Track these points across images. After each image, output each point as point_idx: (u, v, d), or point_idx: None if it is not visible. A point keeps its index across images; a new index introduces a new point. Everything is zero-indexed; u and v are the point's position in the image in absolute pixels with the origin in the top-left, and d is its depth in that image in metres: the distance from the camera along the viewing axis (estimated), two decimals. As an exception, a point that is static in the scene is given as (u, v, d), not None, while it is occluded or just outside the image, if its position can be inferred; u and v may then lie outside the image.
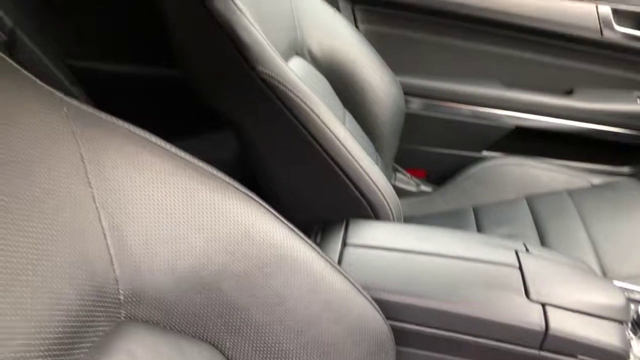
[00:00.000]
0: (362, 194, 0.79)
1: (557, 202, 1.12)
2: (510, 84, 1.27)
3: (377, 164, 1.04)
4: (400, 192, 1.28)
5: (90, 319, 0.39)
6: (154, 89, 1.26)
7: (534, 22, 1.20)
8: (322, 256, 0.54)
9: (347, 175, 0.79)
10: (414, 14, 1.22)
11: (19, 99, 0.39)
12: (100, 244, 0.41)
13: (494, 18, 1.21)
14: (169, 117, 0.97)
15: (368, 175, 0.79)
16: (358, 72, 1.08)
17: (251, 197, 0.51)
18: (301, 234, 0.54)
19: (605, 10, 1.20)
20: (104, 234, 0.42)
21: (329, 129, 0.79)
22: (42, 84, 0.42)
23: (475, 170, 1.24)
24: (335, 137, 0.79)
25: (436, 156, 1.32)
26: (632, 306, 0.69)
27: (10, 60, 0.41)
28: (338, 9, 1.22)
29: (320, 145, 0.78)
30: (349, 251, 0.69)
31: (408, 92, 1.27)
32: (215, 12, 0.75)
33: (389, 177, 1.23)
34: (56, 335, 0.36)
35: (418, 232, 0.74)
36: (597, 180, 1.18)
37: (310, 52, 1.04)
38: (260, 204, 0.51)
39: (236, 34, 0.75)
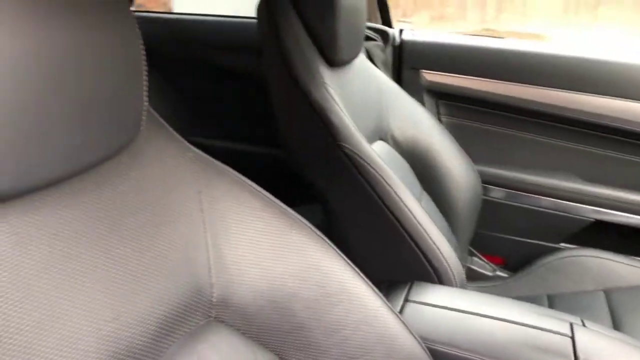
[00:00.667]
0: (428, 260, 0.87)
1: (637, 296, 1.10)
2: (590, 178, 1.31)
3: (450, 243, 1.12)
4: (476, 275, 1.33)
5: (190, 310, 0.52)
6: (258, 163, 1.46)
7: (612, 122, 1.25)
8: (379, 297, 0.63)
9: (414, 242, 0.88)
10: (493, 110, 1.33)
11: (162, 143, 0.55)
12: (204, 256, 0.54)
13: (573, 117, 1.28)
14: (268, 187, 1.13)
15: (434, 244, 0.88)
16: (438, 159, 1.19)
17: (322, 238, 0.62)
18: (363, 277, 0.64)
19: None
20: (207, 249, 0.55)
21: (401, 200, 0.90)
22: (177, 135, 0.58)
23: (552, 259, 1.26)
24: (407, 208, 0.89)
25: (514, 244, 1.36)
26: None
27: (158, 117, 0.58)
28: (423, 102, 1.37)
29: (393, 214, 0.89)
30: (410, 306, 0.77)
31: (487, 180, 1.35)
32: (312, 99, 0.91)
33: (464, 259, 1.28)
34: (166, 314, 0.49)
35: (476, 297, 0.80)
36: (682, 278, 1.15)
37: (393, 138, 1.18)
38: (330, 245, 0.62)
39: (327, 117, 0.91)
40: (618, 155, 1.30)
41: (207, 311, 0.54)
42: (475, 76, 1.31)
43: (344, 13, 0.96)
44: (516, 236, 1.36)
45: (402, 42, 1.38)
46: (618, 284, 1.16)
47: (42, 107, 0.38)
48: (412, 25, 1.47)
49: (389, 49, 1.37)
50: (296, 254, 0.59)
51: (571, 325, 0.73)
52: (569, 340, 0.70)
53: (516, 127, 1.34)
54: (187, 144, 0.58)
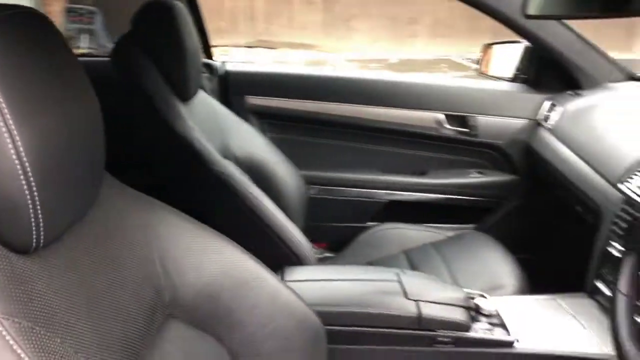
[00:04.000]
0: (290, 249, 1.13)
1: (426, 251, 1.51)
2: (383, 170, 1.72)
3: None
4: (310, 259, 1.63)
5: (155, 311, 0.68)
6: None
7: (393, 126, 1.67)
8: (277, 277, 0.86)
9: (278, 237, 1.12)
10: (307, 125, 1.65)
11: (114, 196, 0.70)
12: (155, 270, 0.71)
13: (365, 125, 1.67)
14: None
15: (293, 235, 1.13)
16: (270, 170, 1.45)
17: (233, 243, 0.82)
18: (265, 267, 0.85)
19: (440, 116, 1.71)
20: (156, 264, 0.71)
21: (263, 204, 1.13)
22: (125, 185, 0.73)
23: (363, 236, 1.61)
24: (269, 210, 1.13)
25: (335, 229, 1.70)
26: (472, 301, 1.06)
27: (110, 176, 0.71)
28: (250, 123, 1.61)
29: (258, 216, 1.12)
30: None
31: (310, 181, 1.66)
32: (177, 133, 1.09)
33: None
34: (143, 314, 0.65)
35: (330, 269, 1.08)
36: (450, 233, 1.61)
37: (234, 156, 1.39)
38: (235, 245, 0.82)
39: (192, 146, 1.09)
40: (399, 150, 1.73)
41: (164, 310, 0.71)
42: (290, 98, 1.60)
43: (189, 56, 1.15)
44: (335, 222, 1.70)
45: (227, 72, 1.60)
46: (412, 246, 1.56)
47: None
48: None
49: (215, 79, 1.57)
50: (218, 256, 0.79)
51: (397, 274, 1.06)
52: (398, 284, 1.02)
53: (326, 137, 1.67)
54: (133, 190, 0.74)
